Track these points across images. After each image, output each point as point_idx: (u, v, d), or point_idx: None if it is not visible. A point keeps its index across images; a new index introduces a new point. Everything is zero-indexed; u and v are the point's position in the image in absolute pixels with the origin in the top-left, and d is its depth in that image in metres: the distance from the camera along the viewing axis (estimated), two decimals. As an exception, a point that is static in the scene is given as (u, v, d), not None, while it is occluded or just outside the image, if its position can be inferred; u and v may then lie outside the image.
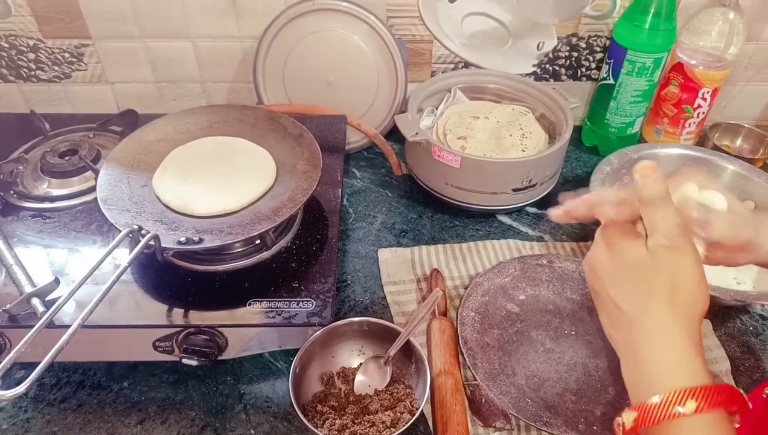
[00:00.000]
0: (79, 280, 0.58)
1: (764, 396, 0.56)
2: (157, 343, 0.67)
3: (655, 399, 0.42)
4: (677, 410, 0.40)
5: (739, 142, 1.11)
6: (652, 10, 0.91)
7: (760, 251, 0.51)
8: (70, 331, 0.52)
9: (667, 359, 0.43)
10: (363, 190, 0.99)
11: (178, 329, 0.66)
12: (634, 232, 0.48)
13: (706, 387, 0.41)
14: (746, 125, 1.10)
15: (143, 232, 0.64)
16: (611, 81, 0.99)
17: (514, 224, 0.92)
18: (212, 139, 0.81)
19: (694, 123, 1.03)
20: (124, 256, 0.67)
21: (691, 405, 0.40)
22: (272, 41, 0.96)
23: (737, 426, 0.42)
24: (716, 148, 1.04)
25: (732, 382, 0.71)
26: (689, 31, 0.97)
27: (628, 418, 0.43)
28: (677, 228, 0.46)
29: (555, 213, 0.55)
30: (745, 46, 1.00)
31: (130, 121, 0.95)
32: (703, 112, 1.02)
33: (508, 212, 0.94)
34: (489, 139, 0.93)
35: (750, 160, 0.99)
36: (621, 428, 0.44)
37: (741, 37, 0.95)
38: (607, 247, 0.48)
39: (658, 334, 0.44)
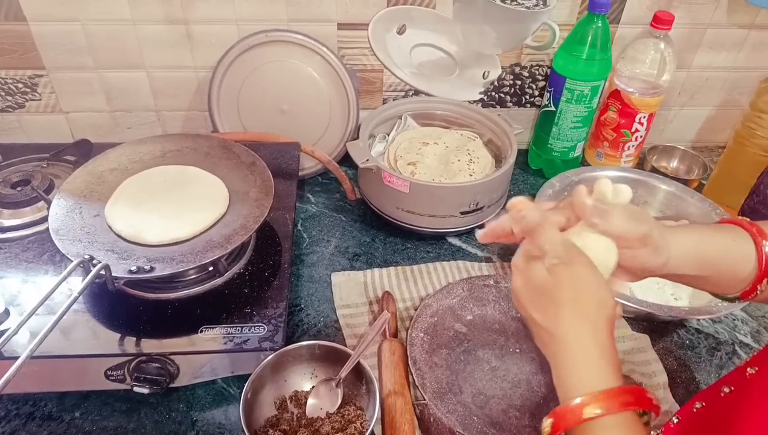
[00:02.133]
0: (28, 311, 0.59)
1: (694, 410, 0.60)
2: (108, 372, 0.68)
3: (568, 404, 0.44)
4: (586, 413, 0.43)
5: (675, 163, 1.17)
6: (589, 41, 0.97)
7: (668, 262, 0.53)
8: (18, 362, 0.53)
9: (579, 366, 0.46)
10: (317, 214, 1.01)
11: (130, 358, 0.67)
12: (538, 256, 0.51)
13: (612, 390, 0.44)
14: (682, 147, 1.17)
15: (94, 261, 0.65)
16: (552, 108, 1.04)
17: (464, 246, 0.96)
18: (165, 168, 0.83)
19: (633, 146, 1.09)
20: (77, 285, 0.68)
21: (597, 408, 0.43)
22: (226, 71, 0.98)
23: (655, 425, 0.45)
24: (654, 169, 1.10)
25: (669, 395, 0.75)
26: (625, 60, 1.03)
27: (546, 423, 0.46)
28: (561, 245, 0.50)
29: (480, 233, 0.58)
30: (677, 73, 1.06)
31: (83, 150, 0.96)
32: (641, 136, 1.07)
33: (458, 234, 0.97)
34: (438, 165, 0.97)
35: (685, 181, 1.05)
36: (544, 433, 0.47)
37: (672, 66, 1.01)
38: (519, 275, 0.52)
39: (570, 343, 0.47)
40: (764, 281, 0.54)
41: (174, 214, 0.75)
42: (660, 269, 0.54)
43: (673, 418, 0.61)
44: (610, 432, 0.43)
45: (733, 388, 0.55)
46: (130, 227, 0.72)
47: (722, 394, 0.56)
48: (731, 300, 0.59)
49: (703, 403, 0.59)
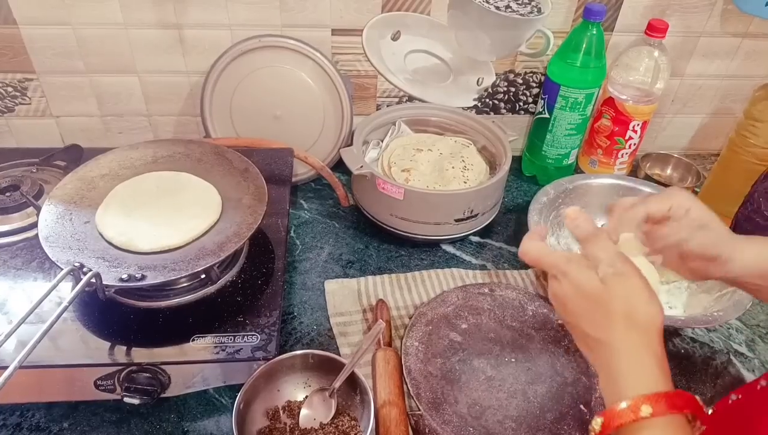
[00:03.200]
0: (17, 321, 0.58)
1: (729, 402, 0.61)
2: (98, 382, 0.66)
3: (618, 405, 0.46)
4: (636, 415, 0.45)
5: (669, 171, 1.17)
6: (583, 49, 0.97)
7: (730, 272, 0.58)
8: (6, 373, 0.52)
9: (631, 372, 0.48)
10: (310, 221, 1.00)
11: (120, 367, 0.66)
12: (588, 264, 0.52)
13: (662, 393, 0.45)
14: (675, 155, 1.17)
15: (84, 269, 0.64)
16: (546, 115, 1.04)
17: (458, 253, 0.95)
18: (157, 174, 0.82)
19: (627, 154, 1.09)
20: (66, 291, 0.67)
21: (647, 409, 0.45)
22: (219, 76, 0.97)
23: (701, 430, 0.47)
24: (648, 177, 1.10)
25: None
26: (618, 68, 1.03)
27: (596, 422, 0.48)
28: (617, 255, 0.51)
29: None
30: (670, 81, 1.06)
31: (74, 156, 0.95)
32: (635, 144, 1.07)
33: (452, 241, 0.96)
34: (432, 171, 0.96)
35: (678, 189, 1.05)
36: (593, 432, 0.48)
37: (666, 73, 1.01)
38: (567, 281, 0.53)
39: (622, 351, 0.49)
40: None
41: (166, 222, 0.74)
42: (721, 277, 0.59)
43: (732, 396, 0.63)
44: (658, 432, 0.45)
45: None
46: (120, 235, 0.71)
47: (759, 388, 0.58)
48: None
49: (739, 396, 0.61)
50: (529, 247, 0.57)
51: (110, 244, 0.71)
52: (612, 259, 0.51)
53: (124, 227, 0.72)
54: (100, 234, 0.72)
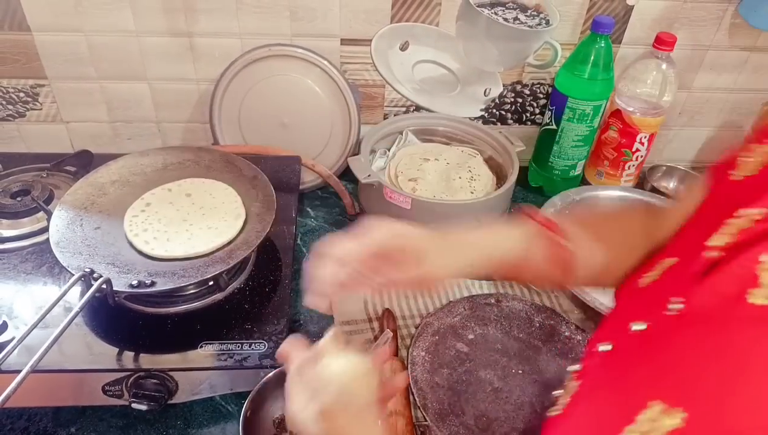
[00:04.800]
0: (29, 326, 0.58)
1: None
2: (106, 388, 0.67)
3: None
4: None
5: (675, 183, 1.17)
6: (591, 61, 0.97)
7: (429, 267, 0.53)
8: (18, 378, 0.52)
9: None
10: (317, 229, 1.00)
11: (128, 373, 0.66)
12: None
13: None
14: (682, 167, 1.17)
15: (95, 275, 0.64)
16: (554, 126, 1.04)
17: (464, 263, 0.95)
18: (198, 181, 0.84)
19: (633, 165, 1.09)
20: (75, 295, 0.68)
21: None
22: (228, 84, 0.98)
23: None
24: (654, 189, 1.10)
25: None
26: (626, 80, 1.03)
27: None
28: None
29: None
30: (678, 94, 1.07)
31: (84, 161, 0.95)
32: (641, 156, 1.08)
33: (459, 251, 0.96)
34: (439, 181, 0.97)
35: (685, 201, 1.05)
36: None
37: (674, 86, 1.01)
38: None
39: None
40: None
41: (189, 232, 0.75)
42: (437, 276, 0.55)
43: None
44: None
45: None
46: (145, 243, 0.72)
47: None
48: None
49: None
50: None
51: (132, 246, 0.73)
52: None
53: (152, 233, 0.74)
54: (125, 235, 0.74)
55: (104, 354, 0.68)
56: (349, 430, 0.47)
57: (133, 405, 0.66)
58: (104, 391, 0.67)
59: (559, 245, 0.56)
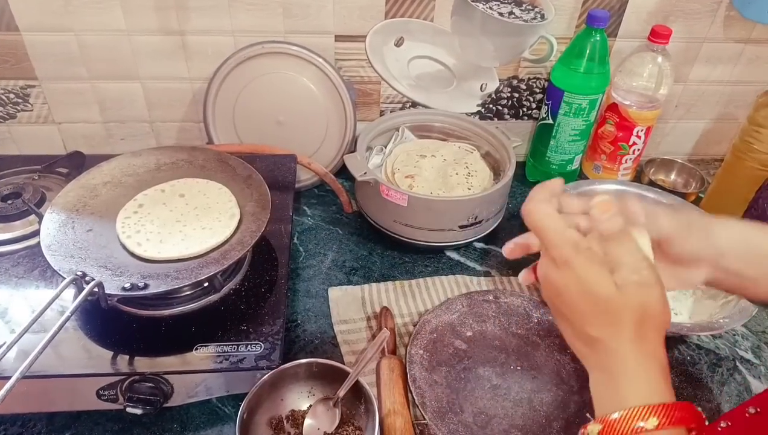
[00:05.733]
0: (20, 331, 0.57)
1: (747, 415, 0.58)
2: (100, 392, 0.66)
3: (619, 414, 0.44)
4: (639, 425, 0.43)
5: (672, 176, 1.17)
6: (587, 55, 0.97)
7: (722, 256, 0.53)
8: (8, 385, 0.51)
9: (636, 380, 0.45)
10: (314, 227, 1.00)
11: (123, 377, 0.65)
12: (601, 260, 0.47)
13: (668, 405, 0.43)
14: (679, 160, 1.16)
15: (87, 278, 0.63)
16: (550, 121, 1.04)
17: (462, 260, 0.95)
18: (191, 181, 0.82)
19: (630, 159, 1.08)
20: (68, 298, 0.67)
21: (653, 421, 0.42)
22: (222, 83, 0.97)
23: None
24: (651, 182, 1.10)
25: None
26: (622, 74, 1.03)
27: (593, 429, 0.45)
28: (643, 261, 0.47)
29: (507, 249, 0.58)
30: (674, 86, 1.06)
31: (76, 162, 0.94)
32: (638, 149, 1.07)
33: (456, 248, 0.96)
34: (436, 178, 0.96)
35: (683, 195, 1.04)
36: None
37: (670, 79, 1.01)
38: (573, 277, 0.48)
39: (628, 358, 0.46)
40: None
41: (183, 232, 0.74)
42: (714, 263, 0.54)
43: (722, 423, 0.60)
44: None
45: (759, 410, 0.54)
46: (138, 245, 0.71)
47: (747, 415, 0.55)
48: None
49: (729, 423, 0.58)
50: (534, 209, 0.50)
51: (125, 248, 0.71)
52: (638, 265, 0.46)
53: (146, 235, 0.73)
54: (118, 237, 0.73)
55: (98, 358, 0.67)
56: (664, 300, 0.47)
57: (128, 409, 0.65)
58: (99, 396, 0.66)
59: None
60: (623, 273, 0.46)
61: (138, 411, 0.65)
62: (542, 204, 0.50)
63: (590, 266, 0.47)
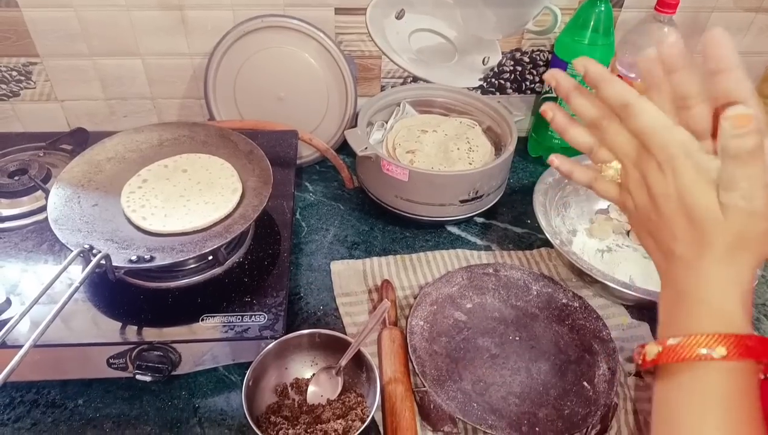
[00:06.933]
0: (30, 302, 0.59)
1: None
2: (111, 360, 0.68)
3: (684, 338, 0.41)
4: (704, 352, 0.40)
5: (674, 149, 1.16)
6: (591, 26, 0.96)
7: None
8: (21, 352, 0.53)
9: (710, 304, 0.42)
10: (315, 203, 1.01)
11: (132, 346, 0.67)
12: (709, 174, 0.42)
13: (740, 336, 0.40)
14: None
15: (94, 251, 0.65)
16: (553, 94, 1.04)
17: (463, 234, 0.96)
18: (194, 156, 0.83)
19: (632, 132, 1.08)
20: (77, 273, 0.68)
21: (720, 350, 0.39)
22: (222, 58, 0.97)
23: (763, 377, 0.42)
24: (653, 155, 1.10)
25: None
26: (627, 45, 1.02)
27: (651, 350, 0.43)
28: (761, 190, 0.41)
29: (557, 160, 0.58)
30: (678, 59, 1.05)
31: (80, 139, 0.95)
32: (641, 122, 1.07)
33: (457, 223, 0.97)
34: (437, 153, 0.96)
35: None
36: (641, 357, 0.43)
37: (674, 51, 1.00)
38: (675, 185, 0.43)
39: (707, 280, 0.42)
40: None
41: (186, 207, 0.75)
42: None
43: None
44: (723, 377, 0.40)
45: None
46: (143, 219, 0.73)
47: None
48: None
49: None
50: (641, 105, 0.44)
51: (129, 221, 0.73)
52: (753, 192, 0.41)
53: (150, 209, 0.74)
54: (123, 211, 0.74)
55: (108, 328, 0.68)
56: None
57: (138, 377, 0.67)
58: (109, 364, 0.68)
59: None
60: (732, 195, 0.41)
61: (147, 378, 0.67)
62: (643, 100, 0.45)
63: (697, 177, 0.42)
